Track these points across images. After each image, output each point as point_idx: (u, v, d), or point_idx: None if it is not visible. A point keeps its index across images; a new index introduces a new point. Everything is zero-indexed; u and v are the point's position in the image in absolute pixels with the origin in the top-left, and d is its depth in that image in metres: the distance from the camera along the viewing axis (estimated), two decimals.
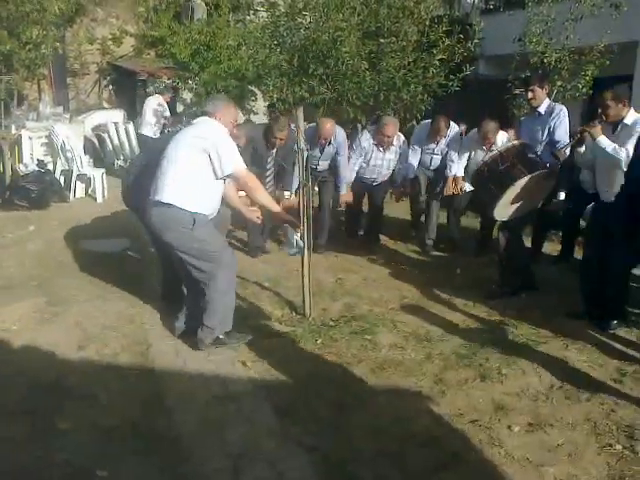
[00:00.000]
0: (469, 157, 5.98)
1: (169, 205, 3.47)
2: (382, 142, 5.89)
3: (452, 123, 6.14)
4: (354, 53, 7.65)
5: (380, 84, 7.88)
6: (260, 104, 11.57)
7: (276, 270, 5.32)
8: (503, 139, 5.77)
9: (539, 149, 4.63)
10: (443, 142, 6.12)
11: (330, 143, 5.79)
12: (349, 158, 5.95)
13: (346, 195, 6.03)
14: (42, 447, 2.70)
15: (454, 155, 6.01)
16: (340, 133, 5.90)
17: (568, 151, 4.42)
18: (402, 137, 6.18)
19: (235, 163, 3.53)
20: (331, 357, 3.67)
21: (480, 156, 5.78)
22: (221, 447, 2.75)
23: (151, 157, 3.99)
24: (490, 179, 4.37)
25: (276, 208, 3.89)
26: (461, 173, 5.99)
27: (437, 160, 6.24)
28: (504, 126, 7.08)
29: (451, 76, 7.99)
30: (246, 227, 5.86)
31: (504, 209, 4.42)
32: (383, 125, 5.87)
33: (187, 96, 12.68)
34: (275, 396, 3.20)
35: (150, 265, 5.04)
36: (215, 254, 3.55)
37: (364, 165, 6.05)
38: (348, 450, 2.76)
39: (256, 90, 11.15)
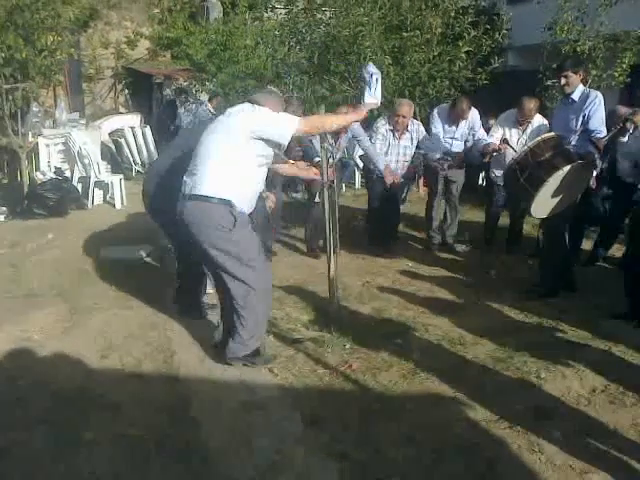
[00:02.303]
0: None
1: (209, 198, 3.29)
2: (397, 124, 5.82)
3: (472, 108, 6.05)
4: (376, 48, 7.67)
5: (404, 79, 7.88)
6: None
7: (302, 274, 5.36)
8: (541, 121, 5.67)
9: (573, 139, 4.57)
10: (464, 125, 6.04)
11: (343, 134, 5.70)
12: (372, 144, 5.84)
13: (390, 175, 5.70)
14: (66, 459, 2.74)
15: (483, 134, 5.92)
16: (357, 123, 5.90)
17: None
18: (416, 122, 6.10)
19: (293, 120, 3.39)
20: (360, 362, 3.67)
21: (515, 137, 5.71)
22: (249, 457, 2.77)
23: (173, 154, 4.04)
24: (523, 176, 4.34)
25: (349, 115, 3.91)
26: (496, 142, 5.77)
27: (458, 145, 6.14)
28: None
29: (479, 69, 7.97)
30: (306, 224, 6.00)
31: (543, 206, 4.37)
32: (397, 105, 5.85)
33: (204, 98, 12.81)
34: (303, 404, 3.21)
35: (171, 272, 5.10)
36: (251, 261, 3.38)
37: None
38: (379, 459, 2.76)
39: (276, 90, 11.22)
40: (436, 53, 7.92)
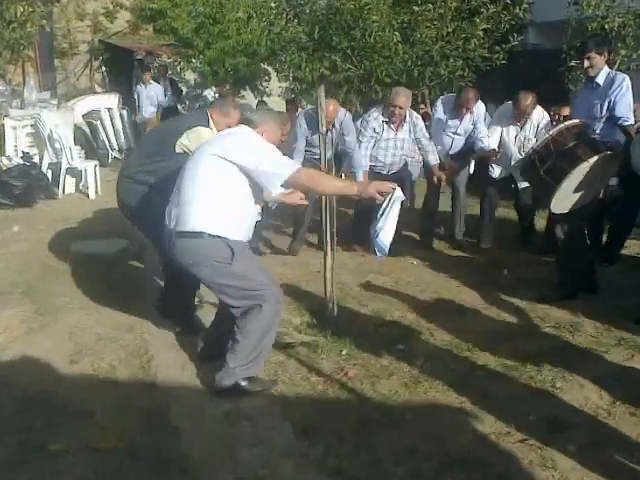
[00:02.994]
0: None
1: (200, 235, 3.26)
2: (393, 117, 5.82)
3: (479, 102, 6.12)
4: (384, 23, 7.68)
5: (414, 58, 7.90)
6: (274, 84, 11.68)
7: (295, 272, 5.40)
8: (540, 116, 5.79)
9: (597, 127, 4.62)
10: (467, 119, 6.10)
11: (333, 126, 5.74)
12: (360, 143, 5.89)
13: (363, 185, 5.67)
14: (32, 470, 2.78)
15: (483, 131, 6.01)
16: (347, 115, 5.95)
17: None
18: (415, 113, 6.13)
19: (290, 165, 3.29)
20: (358, 370, 3.71)
21: (512, 134, 5.85)
22: (232, 469, 2.81)
23: (153, 150, 4.08)
24: (543, 167, 4.37)
25: (354, 187, 3.45)
26: (494, 146, 5.96)
27: (459, 142, 6.23)
28: (559, 103, 7.08)
29: (496, 47, 7.99)
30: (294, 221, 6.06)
31: (564, 200, 4.40)
32: (393, 95, 5.83)
33: (191, 77, 12.86)
34: (293, 413, 3.26)
35: (149, 268, 5.15)
36: (258, 292, 3.33)
37: (374, 151, 5.98)
38: (376, 473, 2.80)
39: (270, 68, 11.25)
40: (450, 30, 7.93)
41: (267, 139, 3.42)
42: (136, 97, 11.68)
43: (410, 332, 4.23)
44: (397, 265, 5.71)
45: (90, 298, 4.76)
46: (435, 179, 6.11)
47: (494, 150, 5.91)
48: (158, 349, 3.96)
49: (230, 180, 3.29)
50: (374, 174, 5.97)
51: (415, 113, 6.16)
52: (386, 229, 3.60)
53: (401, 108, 5.75)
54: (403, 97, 5.78)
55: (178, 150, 3.98)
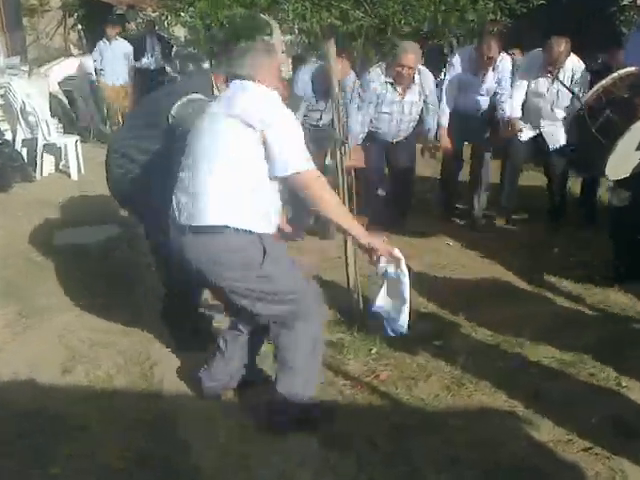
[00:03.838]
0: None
1: (222, 229, 2.93)
2: (400, 78, 5.67)
3: (503, 53, 6.02)
4: None
5: (437, 3, 7.81)
6: (277, 38, 11.58)
7: (313, 260, 5.37)
8: (576, 65, 5.72)
9: None
10: (490, 77, 6.01)
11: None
12: (356, 108, 5.75)
13: (354, 156, 5.19)
14: None
15: (506, 90, 5.95)
16: (351, 74, 5.88)
17: None
18: (426, 71, 5.98)
19: (301, 158, 2.94)
20: (390, 371, 3.71)
21: (543, 87, 5.78)
22: None
23: (147, 121, 4.01)
24: (595, 124, 4.31)
25: (361, 230, 3.15)
26: (518, 113, 5.93)
27: (483, 104, 6.16)
28: (611, 47, 6.97)
29: None
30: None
31: (620, 164, 4.33)
32: (401, 52, 5.64)
33: (180, 33, 12.79)
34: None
35: (145, 259, 5.13)
36: (293, 295, 3.08)
37: (375, 116, 5.83)
38: None
39: (271, 20, 11.15)
40: None
41: (270, 84, 3.09)
42: (97, 58, 10.97)
43: (449, 325, 4.23)
44: (429, 247, 5.69)
45: (80, 296, 4.75)
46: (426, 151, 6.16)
47: (515, 124, 5.86)
48: (161, 354, 3.96)
49: (252, 152, 2.93)
50: (378, 142, 5.92)
51: (426, 71, 5.98)
52: (404, 309, 3.20)
53: (410, 68, 5.59)
54: (412, 54, 5.59)
55: (170, 121, 3.77)
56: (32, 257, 5.58)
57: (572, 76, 5.72)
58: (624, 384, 3.48)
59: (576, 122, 4.49)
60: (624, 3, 7.64)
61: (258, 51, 3.19)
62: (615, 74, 4.45)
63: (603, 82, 4.45)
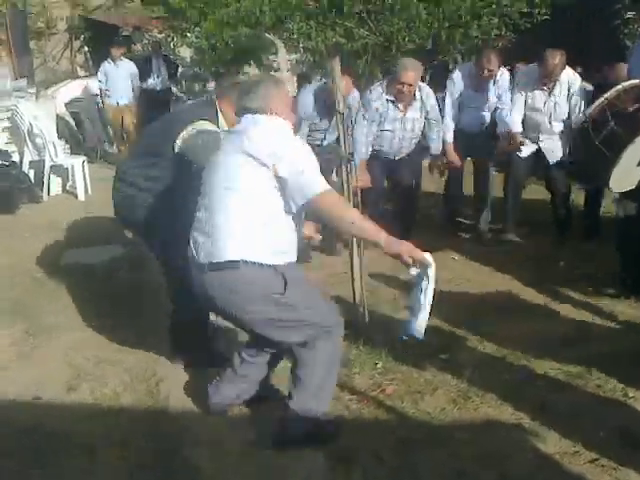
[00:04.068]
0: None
1: (237, 264, 2.95)
2: (401, 95, 5.69)
3: (503, 68, 6.06)
4: None
5: (441, 20, 7.86)
6: (282, 57, 11.65)
7: (318, 274, 5.38)
8: (572, 78, 5.73)
9: None
10: (491, 91, 6.04)
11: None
12: (359, 126, 5.75)
13: (361, 176, 5.22)
14: None
15: (507, 104, 5.97)
16: (355, 92, 5.93)
17: None
18: (426, 87, 6.04)
19: (317, 182, 2.93)
20: (396, 385, 3.71)
21: (540, 101, 5.79)
22: None
23: (153, 149, 4.00)
24: (598, 137, 4.32)
25: (382, 235, 3.04)
26: (519, 128, 5.92)
27: (486, 118, 6.18)
28: (615, 60, 6.99)
29: (536, 0, 7.90)
30: None
31: (624, 176, 4.34)
32: (401, 69, 5.64)
33: (186, 53, 12.88)
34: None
35: (151, 279, 5.16)
36: (315, 320, 3.12)
37: (377, 133, 5.85)
38: None
39: (276, 40, 11.23)
40: None
41: (281, 114, 3.12)
42: (103, 79, 11.01)
43: (455, 339, 4.23)
44: (436, 260, 5.65)
45: (86, 315, 4.79)
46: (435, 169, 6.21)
47: (517, 138, 5.83)
48: (167, 371, 3.97)
49: (265, 187, 2.96)
50: (380, 160, 5.95)
51: (427, 87, 6.03)
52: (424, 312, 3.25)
53: (410, 85, 5.60)
54: (412, 72, 5.60)
55: (177, 150, 3.77)
56: (39, 277, 5.63)
57: (568, 89, 5.72)
58: (631, 395, 3.47)
59: (580, 134, 4.49)
60: (628, 16, 7.66)
61: (267, 82, 3.23)
62: (619, 86, 4.47)
63: (607, 95, 4.46)
